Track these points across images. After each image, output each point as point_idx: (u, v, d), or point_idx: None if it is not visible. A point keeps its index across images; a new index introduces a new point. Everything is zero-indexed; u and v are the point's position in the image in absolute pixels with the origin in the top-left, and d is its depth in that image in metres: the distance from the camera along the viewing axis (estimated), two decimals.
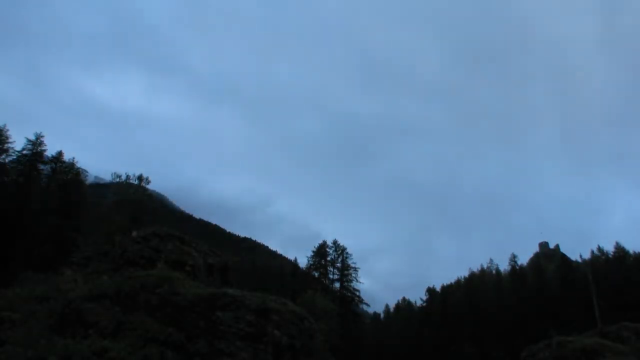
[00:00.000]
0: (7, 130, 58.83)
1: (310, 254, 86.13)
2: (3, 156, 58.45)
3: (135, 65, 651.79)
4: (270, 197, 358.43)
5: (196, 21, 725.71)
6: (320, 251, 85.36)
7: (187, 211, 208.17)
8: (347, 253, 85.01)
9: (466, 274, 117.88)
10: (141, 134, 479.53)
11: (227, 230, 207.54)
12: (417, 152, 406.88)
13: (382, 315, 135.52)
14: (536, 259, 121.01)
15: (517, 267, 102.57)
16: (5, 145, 58.49)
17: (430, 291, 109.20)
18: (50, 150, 62.50)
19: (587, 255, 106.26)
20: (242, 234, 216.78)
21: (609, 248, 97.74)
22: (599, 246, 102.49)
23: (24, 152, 59.71)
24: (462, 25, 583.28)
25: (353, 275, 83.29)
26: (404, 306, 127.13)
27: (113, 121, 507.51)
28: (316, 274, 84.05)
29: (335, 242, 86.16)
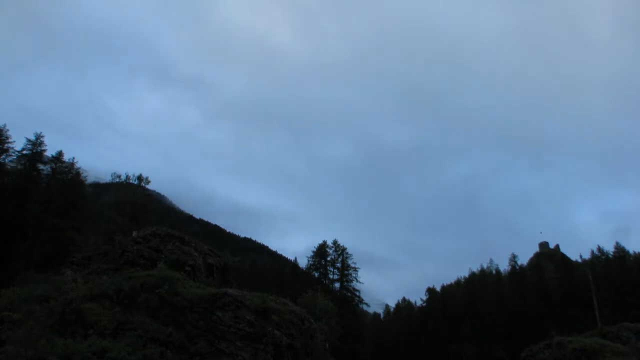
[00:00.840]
0: (7, 130, 58.88)
1: (310, 254, 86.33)
2: (3, 156, 58.39)
3: (178, 88, 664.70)
4: (292, 209, 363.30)
5: (234, 48, 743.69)
6: (320, 251, 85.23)
7: (187, 211, 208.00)
8: (347, 253, 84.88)
9: (466, 274, 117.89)
10: (177, 150, 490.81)
11: (227, 230, 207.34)
12: (444, 174, 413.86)
13: (382, 315, 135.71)
14: (536, 259, 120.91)
15: (517, 267, 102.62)
16: (5, 145, 58.44)
17: (430, 291, 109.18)
18: (50, 150, 62.61)
19: (587, 255, 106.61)
20: (243, 234, 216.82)
21: (609, 248, 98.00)
22: (599, 246, 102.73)
23: (24, 152, 59.68)
24: (506, 61, 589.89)
25: (353, 275, 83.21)
26: (404, 306, 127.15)
27: (150, 138, 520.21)
28: (316, 274, 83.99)
29: (335, 242, 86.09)
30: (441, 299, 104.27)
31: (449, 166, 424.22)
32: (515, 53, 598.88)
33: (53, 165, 62.53)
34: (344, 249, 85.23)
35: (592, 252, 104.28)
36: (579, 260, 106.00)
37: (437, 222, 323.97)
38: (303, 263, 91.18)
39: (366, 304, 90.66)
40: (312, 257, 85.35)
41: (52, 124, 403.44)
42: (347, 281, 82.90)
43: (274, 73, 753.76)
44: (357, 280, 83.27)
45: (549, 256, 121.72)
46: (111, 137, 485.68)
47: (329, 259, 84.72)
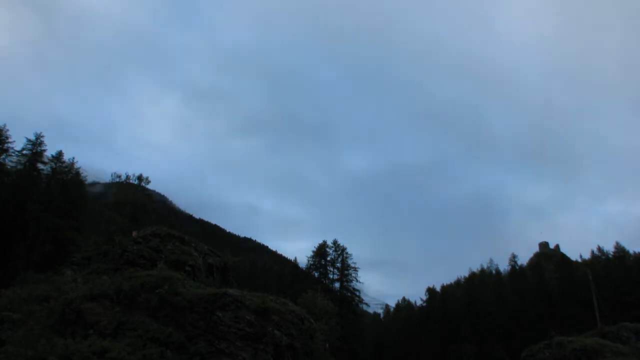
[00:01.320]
0: (7, 130, 58.83)
1: (310, 254, 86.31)
2: (3, 156, 58.34)
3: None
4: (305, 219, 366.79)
5: (256, 60, 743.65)
6: (320, 251, 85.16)
7: (187, 211, 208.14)
8: (347, 253, 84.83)
9: (466, 274, 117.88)
10: (195, 158, 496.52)
11: (227, 230, 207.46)
12: (456, 185, 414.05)
13: (382, 315, 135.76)
14: (536, 259, 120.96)
15: (517, 267, 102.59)
16: (5, 145, 58.40)
17: (430, 291, 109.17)
18: (50, 150, 62.54)
19: (587, 255, 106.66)
20: (243, 234, 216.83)
21: (609, 248, 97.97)
22: (599, 246, 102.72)
23: (24, 152, 59.65)
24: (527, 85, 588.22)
25: (353, 275, 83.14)
26: (404, 306, 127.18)
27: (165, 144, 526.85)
28: (316, 274, 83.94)
29: (335, 242, 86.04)
30: (441, 299, 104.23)
31: (462, 178, 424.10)
32: (535, 68, 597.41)
33: (53, 165, 62.49)
34: (343, 249, 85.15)
35: (592, 252, 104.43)
36: (579, 260, 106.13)
37: (440, 226, 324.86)
38: (303, 263, 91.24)
39: (366, 304, 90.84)
40: (312, 257, 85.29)
41: (59, 123, 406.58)
42: (347, 281, 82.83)
43: (295, 86, 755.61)
44: (357, 280, 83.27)
45: (549, 256, 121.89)
46: (118, 139, 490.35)
47: (328, 258, 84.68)
